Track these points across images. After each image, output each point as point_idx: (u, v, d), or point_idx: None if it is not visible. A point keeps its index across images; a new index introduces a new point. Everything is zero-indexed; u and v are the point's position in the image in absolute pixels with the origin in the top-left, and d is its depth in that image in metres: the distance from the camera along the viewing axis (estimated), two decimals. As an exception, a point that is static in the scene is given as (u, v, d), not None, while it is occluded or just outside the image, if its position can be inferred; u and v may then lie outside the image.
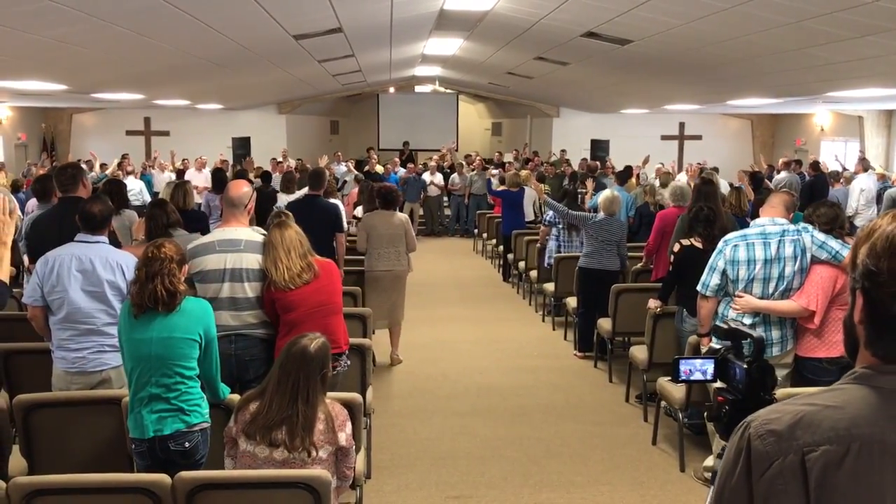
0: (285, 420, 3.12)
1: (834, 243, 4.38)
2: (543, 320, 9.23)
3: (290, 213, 5.63)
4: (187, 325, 3.36)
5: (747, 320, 4.44)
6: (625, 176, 11.44)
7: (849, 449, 1.24)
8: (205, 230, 6.14)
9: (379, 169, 16.60)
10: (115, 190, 6.35)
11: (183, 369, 3.37)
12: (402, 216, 7.29)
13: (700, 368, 1.84)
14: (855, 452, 1.24)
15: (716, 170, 14.50)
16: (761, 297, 4.44)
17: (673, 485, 4.87)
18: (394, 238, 7.09)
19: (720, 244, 4.57)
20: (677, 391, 5.04)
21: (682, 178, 14.52)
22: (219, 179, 9.31)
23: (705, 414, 4.53)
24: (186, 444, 3.37)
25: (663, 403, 5.48)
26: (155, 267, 3.34)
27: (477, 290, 11.23)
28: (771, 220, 4.50)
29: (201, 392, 3.49)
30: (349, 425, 3.29)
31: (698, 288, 4.64)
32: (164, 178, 14.67)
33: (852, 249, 1.36)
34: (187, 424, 3.38)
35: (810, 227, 4.52)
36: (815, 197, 10.53)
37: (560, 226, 8.71)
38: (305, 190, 8.02)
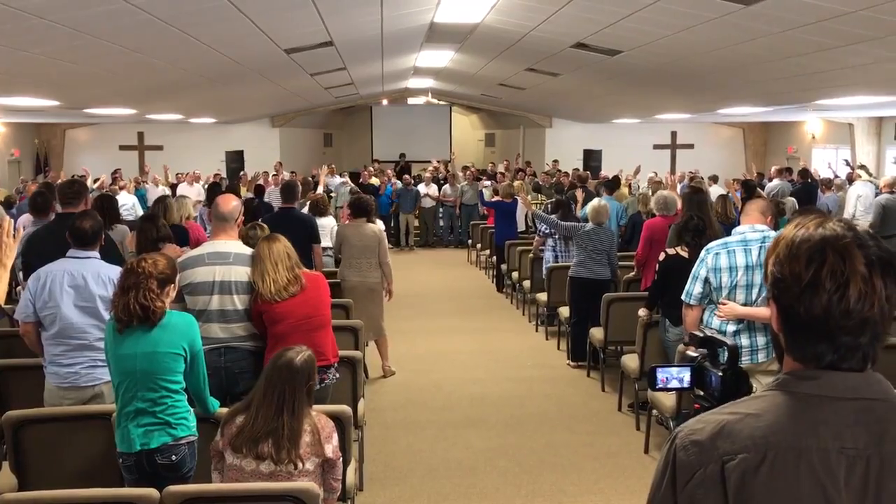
0: (271, 432, 3.14)
1: None
2: (537, 330, 9.25)
3: (265, 226, 5.69)
4: (171, 340, 3.37)
5: (732, 327, 4.48)
6: (612, 185, 11.47)
7: (765, 456, 1.27)
8: (183, 244, 6.15)
9: (374, 181, 16.65)
10: (106, 205, 6.36)
11: (168, 383, 3.38)
12: (376, 227, 7.19)
13: (677, 376, 1.87)
14: (771, 460, 1.26)
15: (714, 178, 14.55)
16: (745, 304, 4.47)
17: (665, 493, 4.87)
18: (365, 249, 7.00)
19: (702, 253, 4.62)
20: (668, 400, 5.05)
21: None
22: (213, 194, 9.32)
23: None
24: (173, 458, 3.37)
25: (655, 412, 5.50)
26: (131, 280, 3.35)
27: (470, 300, 11.25)
28: (751, 228, 4.54)
29: (188, 405, 3.49)
30: (335, 437, 3.30)
31: (683, 297, 4.68)
32: (157, 193, 14.69)
33: (764, 265, 1.40)
34: (174, 438, 3.38)
35: None
36: (802, 204, 10.58)
37: (556, 236, 8.75)
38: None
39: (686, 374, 1.85)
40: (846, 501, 1.24)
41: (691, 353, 1.91)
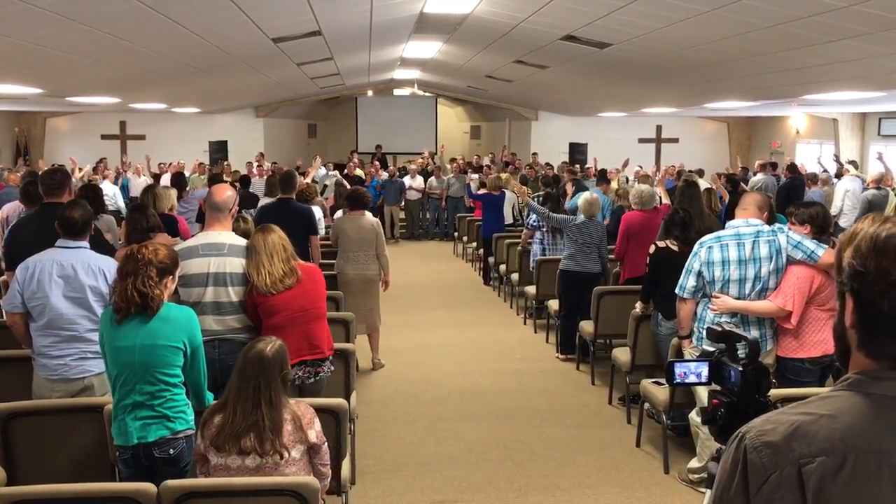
0: (252, 426, 3.09)
1: (809, 243, 4.42)
2: (525, 323, 9.24)
3: (248, 218, 5.63)
4: (171, 333, 3.32)
5: (725, 320, 4.47)
6: (602, 179, 11.50)
7: (845, 459, 1.23)
8: (173, 234, 6.10)
9: (359, 173, 16.57)
10: (91, 195, 6.26)
11: (167, 377, 3.33)
12: (373, 220, 7.16)
13: (695, 371, 1.85)
14: (851, 463, 1.23)
15: (700, 172, 14.61)
16: (738, 298, 4.48)
17: (657, 487, 4.89)
18: (362, 242, 6.99)
19: (696, 246, 4.61)
20: (661, 393, 5.06)
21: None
22: (177, 184, 9.24)
23: (695, 416, 4.57)
24: (171, 451, 3.33)
25: (647, 405, 5.50)
26: (130, 266, 3.30)
27: (458, 293, 11.22)
28: (745, 222, 4.54)
29: (186, 399, 3.44)
30: (317, 422, 3.27)
31: (676, 291, 4.68)
32: (140, 183, 14.57)
33: (836, 254, 1.36)
34: (172, 431, 3.33)
35: (786, 228, 4.57)
36: (791, 199, 10.64)
37: (544, 229, 8.73)
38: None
39: (704, 369, 1.83)
40: None
41: (707, 347, 1.89)
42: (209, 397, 3.64)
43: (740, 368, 1.76)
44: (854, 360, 1.33)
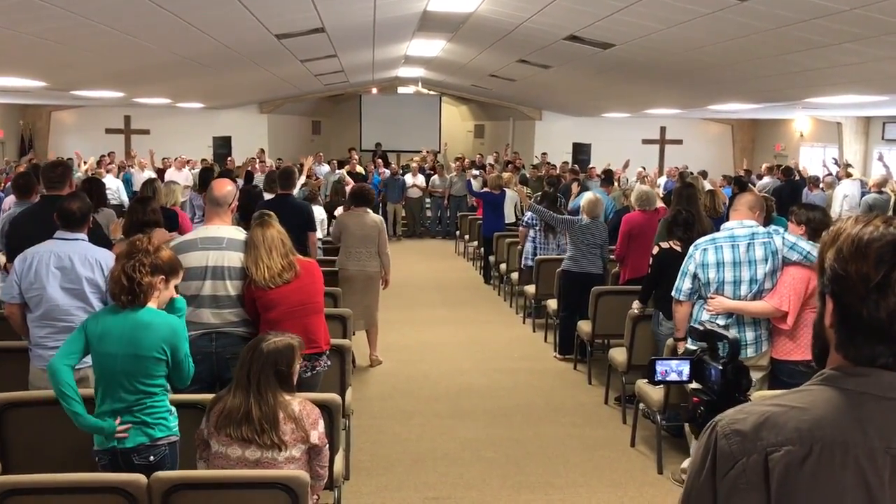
0: (246, 414, 3.15)
1: (805, 244, 4.44)
2: (524, 322, 9.25)
3: (273, 213, 5.62)
4: (151, 343, 3.26)
5: (721, 321, 4.48)
6: (607, 180, 11.49)
7: (811, 450, 1.25)
8: (172, 228, 6.11)
9: (360, 170, 16.59)
10: (93, 188, 6.29)
11: (147, 386, 3.28)
12: (377, 217, 7.20)
13: (676, 369, 1.86)
14: (817, 453, 1.25)
15: (704, 174, 14.60)
16: (733, 299, 4.49)
17: (651, 486, 4.90)
18: (365, 239, 7.02)
19: (691, 249, 4.63)
20: (656, 393, 5.07)
21: (661, 181, 14.67)
22: (204, 179, 9.25)
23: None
24: (151, 458, 3.28)
25: (642, 406, 5.51)
26: (126, 249, 3.35)
27: (458, 291, 11.24)
28: (739, 224, 4.55)
29: (168, 405, 3.40)
30: (321, 424, 3.29)
31: (672, 293, 4.69)
32: (143, 177, 14.61)
33: (819, 254, 1.36)
34: (151, 438, 3.28)
35: (781, 230, 4.59)
36: (786, 201, 10.61)
37: (537, 227, 8.74)
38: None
39: (685, 368, 1.85)
40: (890, 500, 1.23)
41: (690, 346, 1.90)
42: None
43: (720, 367, 1.78)
44: (831, 357, 1.34)
